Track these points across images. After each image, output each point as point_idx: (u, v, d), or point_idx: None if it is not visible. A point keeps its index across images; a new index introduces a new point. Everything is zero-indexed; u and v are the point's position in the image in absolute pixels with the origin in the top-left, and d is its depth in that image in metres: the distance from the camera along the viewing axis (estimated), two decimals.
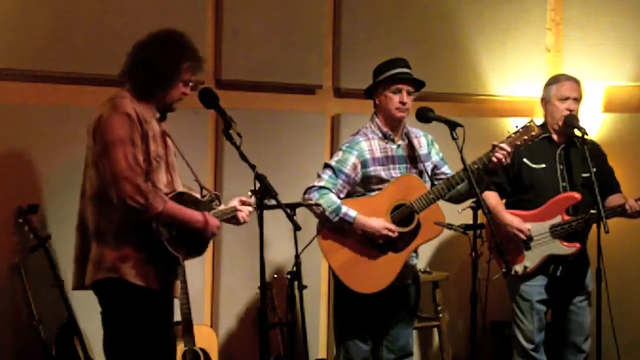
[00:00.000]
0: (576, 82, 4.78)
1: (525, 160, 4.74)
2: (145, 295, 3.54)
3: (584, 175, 4.62)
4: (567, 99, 4.70)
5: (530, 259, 4.68)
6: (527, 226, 4.66)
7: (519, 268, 4.70)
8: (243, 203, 3.83)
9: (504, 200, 4.84)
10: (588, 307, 4.76)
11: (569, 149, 4.73)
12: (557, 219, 4.66)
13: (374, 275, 4.14)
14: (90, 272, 3.53)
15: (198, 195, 3.74)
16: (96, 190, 3.51)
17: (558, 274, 4.71)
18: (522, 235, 4.65)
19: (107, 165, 3.41)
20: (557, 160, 4.72)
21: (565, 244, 4.66)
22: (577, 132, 4.69)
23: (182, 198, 3.61)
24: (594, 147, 4.77)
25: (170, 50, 3.56)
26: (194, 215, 3.58)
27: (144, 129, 3.50)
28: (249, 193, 3.79)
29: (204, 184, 3.81)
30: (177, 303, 4.38)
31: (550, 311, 4.95)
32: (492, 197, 4.75)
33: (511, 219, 4.69)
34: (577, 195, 4.62)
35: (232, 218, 3.81)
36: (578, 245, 4.66)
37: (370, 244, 4.17)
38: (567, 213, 4.66)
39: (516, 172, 4.76)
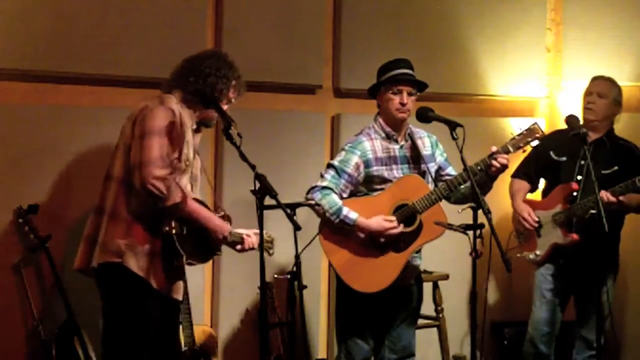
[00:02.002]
0: (604, 79, 4.91)
1: (550, 153, 4.88)
2: (143, 288, 3.58)
3: (604, 172, 4.68)
4: (590, 94, 4.85)
5: (541, 247, 4.82)
6: (534, 215, 4.80)
7: (532, 256, 4.84)
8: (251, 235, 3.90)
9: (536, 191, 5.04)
10: (605, 304, 4.75)
11: (599, 146, 4.75)
12: (558, 207, 4.77)
13: (375, 275, 4.14)
14: (96, 254, 3.61)
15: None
16: (124, 173, 3.61)
17: (561, 262, 4.81)
18: (526, 225, 4.81)
19: (139, 150, 3.53)
20: (580, 155, 4.77)
21: (564, 233, 4.75)
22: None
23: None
24: (623, 147, 4.82)
25: (223, 67, 3.74)
26: (208, 213, 3.72)
27: (182, 130, 3.63)
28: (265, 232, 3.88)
29: (219, 203, 3.88)
30: None
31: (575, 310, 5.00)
32: (516, 184, 5.00)
33: (521, 206, 4.88)
34: (574, 185, 4.73)
35: (236, 243, 3.87)
36: (575, 236, 4.71)
37: (372, 244, 4.16)
38: (568, 202, 4.76)
39: (540, 163, 4.92)
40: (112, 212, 3.60)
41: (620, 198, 4.57)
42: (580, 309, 4.90)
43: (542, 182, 5.10)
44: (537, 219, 4.80)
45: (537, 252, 4.81)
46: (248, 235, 3.86)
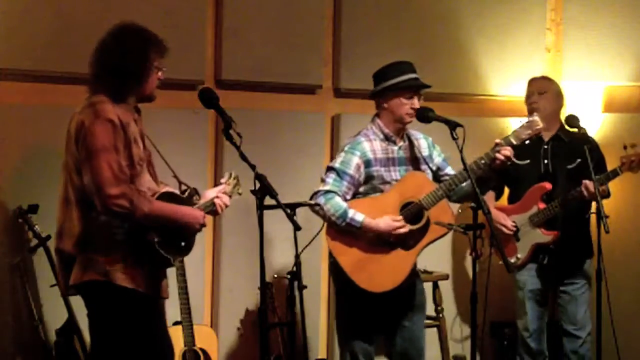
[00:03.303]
0: (541, 77, 5.10)
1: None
2: (133, 298, 3.50)
3: (569, 167, 4.82)
4: (531, 95, 4.97)
5: (522, 250, 4.87)
6: (510, 220, 4.86)
7: (513, 260, 4.87)
8: (219, 195, 3.79)
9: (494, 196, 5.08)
10: (582, 297, 4.88)
11: (556, 143, 4.88)
12: (534, 209, 4.83)
13: (385, 274, 4.14)
14: (76, 273, 3.50)
15: (178, 192, 3.72)
16: (82, 196, 3.47)
17: (545, 261, 4.87)
18: (505, 230, 4.85)
19: (90, 174, 3.40)
20: (542, 155, 4.87)
21: (545, 232, 4.82)
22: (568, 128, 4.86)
23: (166, 198, 3.60)
24: (581, 140, 4.79)
25: (133, 47, 3.54)
26: (180, 209, 3.58)
27: (127, 135, 3.48)
28: (223, 179, 3.82)
29: (183, 180, 3.78)
30: (177, 303, 4.40)
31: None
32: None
33: (495, 213, 4.86)
34: (547, 185, 4.81)
35: (212, 210, 3.77)
36: (556, 232, 4.79)
37: (380, 243, 4.16)
38: (543, 202, 4.82)
39: (504, 169, 4.89)
40: (84, 238, 3.47)
41: (603, 188, 4.67)
42: (559, 303, 4.98)
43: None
44: (513, 223, 4.86)
45: (518, 256, 4.87)
46: (217, 197, 3.75)
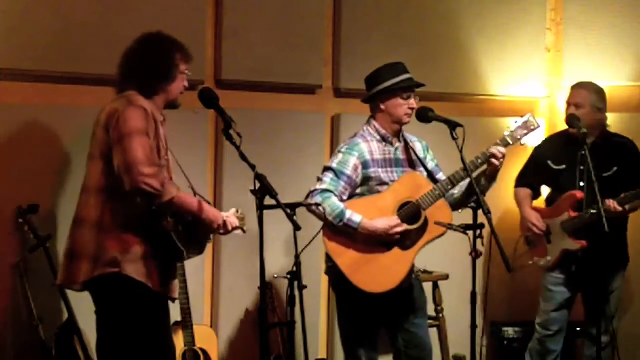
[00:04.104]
0: (581, 87, 4.94)
1: (549, 162, 4.98)
2: (144, 293, 3.54)
3: (605, 174, 4.75)
4: (569, 105, 4.89)
5: (552, 253, 4.92)
6: (542, 222, 4.92)
7: (543, 262, 4.94)
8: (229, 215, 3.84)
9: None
10: (607, 303, 4.84)
11: (594, 150, 4.72)
12: (565, 216, 4.85)
13: (384, 274, 4.13)
14: (86, 269, 3.53)
15: None
16: (104, 182, 3.54)
17: (573, 269, 4.89)
18: (535, 230, 4.92)
19: (122, 154, 3.45)
20: (578, 160, 4.82)
21: (573, 240, 4.83)
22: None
23: None
24: (618, 145, 4.84)
25: (159, 47, 3.67)
26: (203, 204, 3.65)
27: (157, 126, 3.59)
28: (234, 210, 3.86)
29: (198, 190, 3.83)
30: (177, 303, 4.39)
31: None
32: (522, 192, 5.11)
33: (529, 213, 4.99)
34: (578, 194, 4.80)
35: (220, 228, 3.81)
36: (584, 242, 4.78)
37: (378, 243, 4.15)
38: (575, 210, 4.83)
39: (540, 174, 5.03)
40: (99, 224, 3.52)
41: (627, 207, 4.67)
42: (588, 308, 4.98)
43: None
44: (546, 225, 4.90)
45: (548, 258, 4.91)
46: (227, 217, 3.80)
